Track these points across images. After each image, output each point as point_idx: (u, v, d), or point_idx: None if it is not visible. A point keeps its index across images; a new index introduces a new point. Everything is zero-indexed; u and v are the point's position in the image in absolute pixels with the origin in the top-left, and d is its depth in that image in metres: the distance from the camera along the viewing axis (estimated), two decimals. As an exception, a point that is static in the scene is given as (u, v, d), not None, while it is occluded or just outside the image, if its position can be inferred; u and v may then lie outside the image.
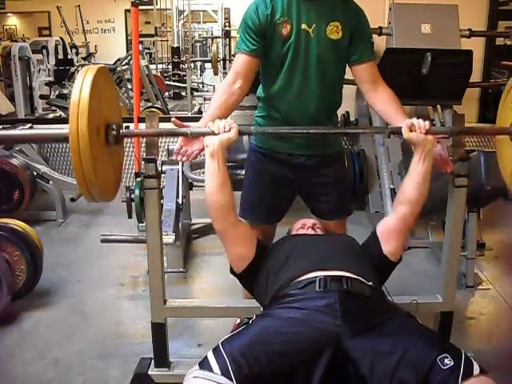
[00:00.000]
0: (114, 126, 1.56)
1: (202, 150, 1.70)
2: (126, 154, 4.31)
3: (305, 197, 2.10)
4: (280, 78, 1.87)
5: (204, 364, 1.28)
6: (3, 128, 2.27)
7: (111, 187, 1.64)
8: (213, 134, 1.58)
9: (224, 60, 7.48)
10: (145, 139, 1.77)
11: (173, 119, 1.73)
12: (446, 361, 1.25)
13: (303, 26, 1.77)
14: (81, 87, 1.41)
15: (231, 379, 1.22)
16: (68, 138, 1.38)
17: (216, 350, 1.30)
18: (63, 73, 7.31)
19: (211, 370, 1.25)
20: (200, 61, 9.43)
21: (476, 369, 1.25)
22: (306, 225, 1.96)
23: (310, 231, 1.92)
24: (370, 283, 1.54)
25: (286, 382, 1.30)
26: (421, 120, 1.60)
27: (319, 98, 1.88)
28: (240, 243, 1.67)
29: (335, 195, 2.03)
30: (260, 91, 1.99)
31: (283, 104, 1.90)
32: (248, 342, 1.31)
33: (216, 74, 7.26)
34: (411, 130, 1.58)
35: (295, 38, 1.78)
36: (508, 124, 1.69)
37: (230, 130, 1.58)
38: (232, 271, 1.74)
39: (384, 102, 1.85)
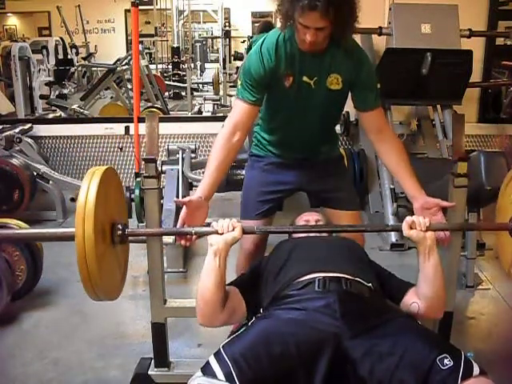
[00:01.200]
0: (120, 226, 1.57)
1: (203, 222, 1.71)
2: (126, 154, 4.36)
3: (308, 194, 2.11)
4: (279, 119, 1.91)
5: (207, 370, 1.27)
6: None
7: (116, 287, 1.65)
8: (216, 233, 1.56)
9: (224, 60, 7.47)
10: (145, 139, 1.77)
11: (174, 199, 1.73)
12: (446, 361, 1.25)
13: (305, 78, 1.78)
14: (87, 191, 1.43)
15: None
16: (74, 237, 1.41)
17: (218, 355, 1.29)
18: (63, 73, 7.32)
19: (215, 376, 1.24)
20: (201, 83, 9.34)
21: (476, 370, 1.25)
22: (309, 221, 1.95)
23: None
24: (369, 284, 1.54)
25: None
26: (421, 217, 1.57)
27: (319, 134, 1.94)
28: (228, 320, 1.63)
29: (339, 189, 2.04)
30: (262, 114, 2.00)
31: (282, 137, 1.97)
32: (249, 345, 1.31)
33: (217, 94, 7.23)
34: (411, 228, 1.55)
35: (297, 89, 1.79)
36: (507, 219, 1.66)
37: (233, 229, 1.55)
38: None
39: (390, 159, 1.85)
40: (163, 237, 1.92)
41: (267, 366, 1.26)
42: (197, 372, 1.29)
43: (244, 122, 1.80)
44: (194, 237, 1.66)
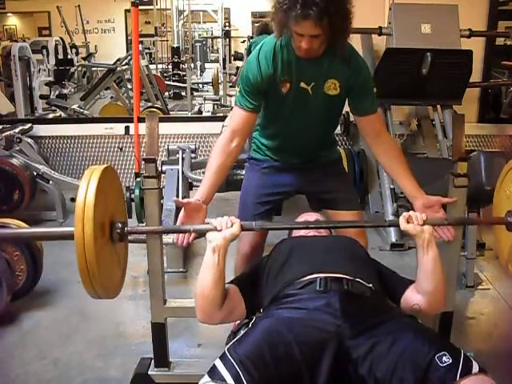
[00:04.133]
0: (119, 224, 1.57)
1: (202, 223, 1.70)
2: (126, 154, 4.36)
3: (306, 196, 2.10)
4: (278, 125, 1.92)
5: (215, 374, 1.26)
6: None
7: (116, 285, 1.65)
8: (215, 230, 1.56)
9: (224, 60, 7.48)
10: (145, 139, 1.77)
11: (174, 199, 1.75)
12: (445, 358, 1.25)
13: (302, 84, 1.78)
14: (86, 191, 1.43)
15: None
16: (73, 236, 1.41)
17: (224, 358, 1.29)
18: (63, 73, 7.32)
19: (224, 380, 1.23)
20: (201, 83, 9.35)
21: (475, 367, 1.25)
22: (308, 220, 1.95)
23: (312, 233, 1.91)
24: (370, 285, 1.54)
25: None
26: (418, 213, 1.58)
27: (317, 139, 1.95)
28: (228, 318, 1.63)
29: (338, 191, 2.04)
30: (260, 120, 2.01)
31: (281, 142, 1.97)
32: (254, 347, 1.30)
33: (216, 94, 7.23)
34: (408, 222, 1.56)
35: (294, 95, 1.80)
36: (503, 213, 1.67)
37: (232, 226, 1.56)
38: None
39: (388, 161, 1.86)
40: (163, 237, 1.92)
41: (273, 367, 1.26)
42: (204, 377, 1.28)
43: (242, 129, 1.82)
44: (192, 237, 1.67)
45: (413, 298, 1.60)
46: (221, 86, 7.18)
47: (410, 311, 1.61)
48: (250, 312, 1.66)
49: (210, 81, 7.86)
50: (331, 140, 2.10)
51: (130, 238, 2.97)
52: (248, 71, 1.79)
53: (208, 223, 1.59)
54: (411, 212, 1.59)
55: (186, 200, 1.73)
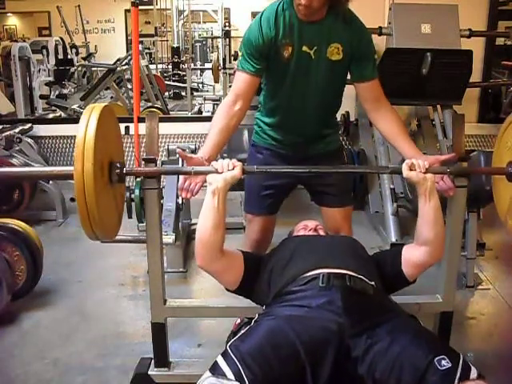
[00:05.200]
0: (118, 165, 1.58)
1: (205, 180, 1.70)
2: (126, 154, 4.36)
3: (306, 186, 2.11)
4: (280, 95, 1.90)
5: (216, 370, 1.26)
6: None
7: (113, 226, 1.66)
8: (216, 172, 1.57)
9: (224, 60, 7.47)
10: (145, 139, 1.77)
11: (178, 150, 1.76)
12: (444, 362, 1.25)
13: (304, 47, 1.78)
14: (86, 127, 1.43)
15: None
16: (73, 176, 1.41)
17: (226, 355, 1.29)
18: (63, 73, 7.31)
19: (224, 376, 1.24)
20: (200, 69, 9.40)
21: (473, 373, 1.25)
22: (308, 226, 1.96)
23: (312, 233, 1.93)
24: (372, 283, 1.54)
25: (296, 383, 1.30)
26: (420, 160, 1.60)
27: (319, 113, 1.93)
28: (225, 272, 1.66)
29: (337, 185, 2.05)
30: (262, 98, 2.01)
31: (283, 117, 1.95)
32: (257, 346, 1.30)
33: (217, 82, 7.23)
34: (411, 169, 1.58)
35: (296, 59, 1.79)
36: (504, 163, 1.70)
37: (233, 169, 1.57)
38: (227, 289, 1.75)
39: (387, 124, 1.86)
40: (163, 237, 1.92)
41: (278, 367, 1.26)
42: (205, 373, 1.28)
43: (245, 92, 1.82)
44: (198, 186, 1.69)
45: (413, 253, 1.66)
46: (221, 83, 7.17)
47: (413, 269, 1.65)
48: (240, 286, 1.68)
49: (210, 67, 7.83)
50: (334, 121, 2.09)
51: (129, 238, 2.97)
52: (250, 34, 1.80)
53: (211, 166, 1.61)
54: (413, 159, 1.61)
55: (189, 154, 1.74)
